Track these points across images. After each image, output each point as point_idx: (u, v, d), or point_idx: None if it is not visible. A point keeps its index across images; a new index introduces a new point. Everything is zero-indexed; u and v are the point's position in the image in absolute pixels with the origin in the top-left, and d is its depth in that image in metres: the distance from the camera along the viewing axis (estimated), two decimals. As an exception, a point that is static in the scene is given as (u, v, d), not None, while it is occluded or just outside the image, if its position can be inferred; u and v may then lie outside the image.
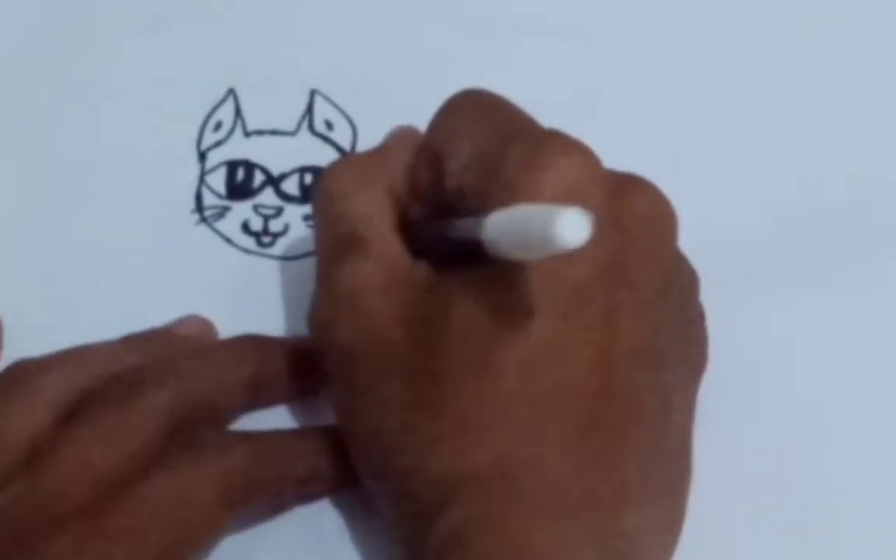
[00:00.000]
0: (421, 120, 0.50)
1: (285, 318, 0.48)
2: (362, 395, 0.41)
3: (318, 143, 0.52)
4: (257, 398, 0.45)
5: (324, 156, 0.51)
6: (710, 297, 0.45)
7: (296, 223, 0.50)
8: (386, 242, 0.42)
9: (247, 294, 0.49)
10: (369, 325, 0.41)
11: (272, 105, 0.52)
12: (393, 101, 0.52)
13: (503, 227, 0.38)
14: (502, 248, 0.38)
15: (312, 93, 0.52)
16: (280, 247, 0.50)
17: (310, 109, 0.52)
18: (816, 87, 0.52)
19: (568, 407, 0.39)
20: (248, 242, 0.50)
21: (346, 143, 0.51)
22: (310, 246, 0.49)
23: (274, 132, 0.52)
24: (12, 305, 0.47)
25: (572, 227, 0.35)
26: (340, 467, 0.44)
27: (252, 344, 0.45)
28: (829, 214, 0.50)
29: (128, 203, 0.50)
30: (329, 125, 0.52)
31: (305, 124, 0.52)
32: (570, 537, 0.38)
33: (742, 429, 0.45)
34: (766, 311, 0.48)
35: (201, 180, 0.51)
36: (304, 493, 0.44)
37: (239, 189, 0.51)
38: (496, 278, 0.39)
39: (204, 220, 0.50)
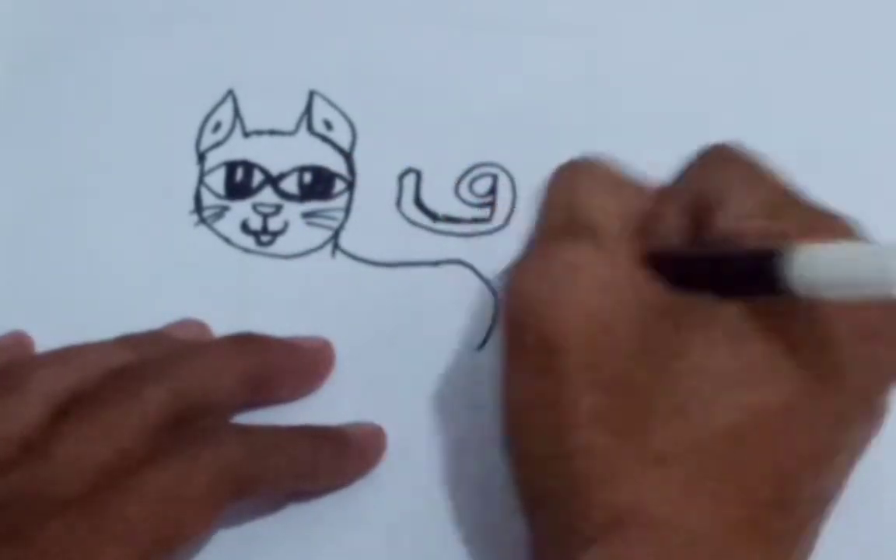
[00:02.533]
0: (419, 119, 0.51)
1: (285, 318, 0.48)
2: (549, 388, 0.38)
3: (316, 143, 0.51)
4: (254, 396, 0.45)
5: (323, 156, 0.51)
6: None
7: (295, 222, 0.50)
8: (623, 242, 0.39)
9: (246, 294, 0.49)
10: (586, 322, 0.38)
11: (271, 105, 0.52)
12: (392, 101, 0.52)
13: (817, 262, 0.36)
14: (812, 282, 0.36)
15: (311, 93, 0.52)
16: (279, 246, 0.49)
17: (308, 109, 0.52)
18: (822, 83, 0.52)
19: (762, 493, 0.37)
20: (248, 242, 0.50)
21: (344, 143, 0.51)
22: (309, 244, 0.49)
23: (273, 132, 0.52)
24: (11, 305, 0.48)
25: None
26: (338, 466, 0.44)
27: (249, 341, 0.45)
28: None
29: (127, 204, 0.50)
30: (328, 125, 0.52)
31: (304, 124, 0.52)
32: None
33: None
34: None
35: (200, 181, 0.51)
36: (300, 490, 0.44)
37: (238, 189, 0.51)
38: (754, 320, 0.37)
39: (203, 220, 0.50)
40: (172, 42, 0.53)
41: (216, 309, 0.48)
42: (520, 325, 0.39)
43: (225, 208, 0.50)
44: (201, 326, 0.47)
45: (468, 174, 0.50)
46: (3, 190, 0.51)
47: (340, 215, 0.50)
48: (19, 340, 0.47)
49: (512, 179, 0.50)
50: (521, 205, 0.49)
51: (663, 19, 0.53)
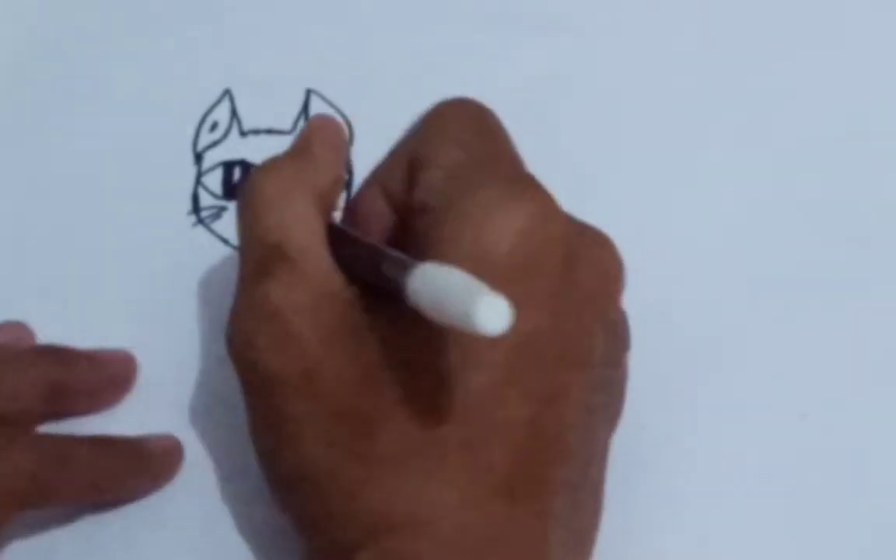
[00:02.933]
0: (416, 117, 0.51)
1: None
2: (283, 421, 0.40)
3: (315, 142, 0.51)
4: (53, 407, 0.45)
5: (320, 155, 0.51)
6: (706, 295, 0.45)
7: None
8: (314, 258, 0.41)
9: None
10: (295, 352, 0.40)
11: (268, 105, 0.52)
12: (389, 99, 0.52)
13: (428, 284, 0.36)
14: (421, 303, 0.36)
15: (308, 92, 0.52)
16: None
17: (305, 108, 0.52)
18: (813, 83, 0.52)
19: (501, 459, 0.38)
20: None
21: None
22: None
23: (270, 132, 0.52)
24: (9, 304, 0.48)
25: (493, 316, 0.34)
26: (135, 477, 0.44)
27: (49, 353, 0.45)
28: (825, 213, 0.49)
29: (124, 205, 0.50)
30: (326, 124, 0.52)
31: (301, 124, 0.52)
32: None
33: (740, 428, 0.46)
34: (761, 310, 0.48)
35: (198, 181, 0.51)
36: (97, 501, 0.44)
37: (236, 189, 0.51)
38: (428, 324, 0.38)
39: (201, 221, 0.50)
40: (169, 42, 0.54)
41: (214, 309, 0.48)
42: (242, 369, 0.41)
43: (222, 208, 0.50)
44: (19, 327, 0.47)
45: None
46: (0, 189, 0.51)
47: (338, 215, 0.50)
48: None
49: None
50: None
51: (662, 17, 0.53)
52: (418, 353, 0.38)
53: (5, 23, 0.54)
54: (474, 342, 0.36)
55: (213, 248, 0.50)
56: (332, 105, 0.52)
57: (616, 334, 0.42)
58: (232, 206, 0.50)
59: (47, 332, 0.47)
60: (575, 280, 0.39)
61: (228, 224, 0.50)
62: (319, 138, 0.44)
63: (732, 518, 0.44)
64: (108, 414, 0.46)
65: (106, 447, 0.44)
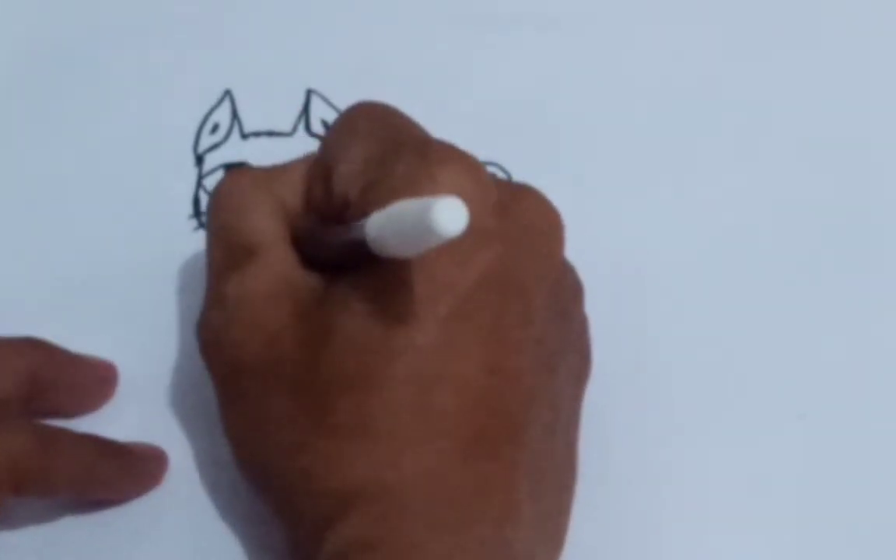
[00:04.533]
0: (417, 117, 0.50)
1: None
2: (250, 408, 0.41)
3: (315, 143, 0.51)
4: (36, 398, 0.44)
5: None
6: (705, 294, 0.45)
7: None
8: (277, 252, 0.42)
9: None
10: (258, 336, 0.41)
11: (269, 106, 0.52)
12: (389, 99, 0.51)
13: (383, 224, 0.38)
14: (385, 247, 0.38)
15: (308, 93, 0.52)
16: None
17: (306, 110, 0.52)
18: (813, 83, 0.52)
19: (456, 419, 0.39)
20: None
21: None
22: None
23: (271, 133, 0.52)
24: (9, 307, 0.48)
25: (450, 215, 0.35)
26: (120, 479, 0.44)
27: (31, 343, 0.45)
28: (824, 213, 0.49)
29: (125, 208, 0.50)
30: (326, 125, 0.52)
31: (302, 125, 0.52)
32: (457, 553, 0.38)
33: (739, 428, 0.46)
34: (760, 309, 0.48)
35: (199, 184, 0.51)
36: (89, 496, 0.44)
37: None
38: (381, 286, 0.39)
39: (202, 225, 0.50)
40: (169, 44, 0.53)
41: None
42: (211, 361, 0.43)
43: (224, 211, 0.50)
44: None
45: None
46: (0, 190, 0.51)
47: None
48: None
49: (510, 178, 0.50)
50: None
51: (662, 17, 0.53)
52: (364, 322, 0.39)
53: (5, 23, 0.54)
54: (416, 302, 0.38)
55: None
56: (332, 105, 0.52)
57: (562, 285, 0.42)
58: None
59: (46, 333, 0.46)
60: (509, 235, 0.40)
61: (230, 226, 0.50)
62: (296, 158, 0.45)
63: (732, 517, 0.44)
64: (103, 417, 0.46)
65: (92, 441, 0.44)
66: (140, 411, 0.47)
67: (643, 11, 0.53)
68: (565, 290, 0.42)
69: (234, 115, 0.52)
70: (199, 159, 0.51)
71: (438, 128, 0.50)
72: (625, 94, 0.52)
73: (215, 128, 0.52)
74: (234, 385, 0.42)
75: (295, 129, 0.52)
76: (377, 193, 0.40)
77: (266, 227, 0.43)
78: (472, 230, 0.35)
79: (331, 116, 0.52)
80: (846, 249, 0.49)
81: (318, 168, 0.43)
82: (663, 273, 0.48)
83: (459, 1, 0.53)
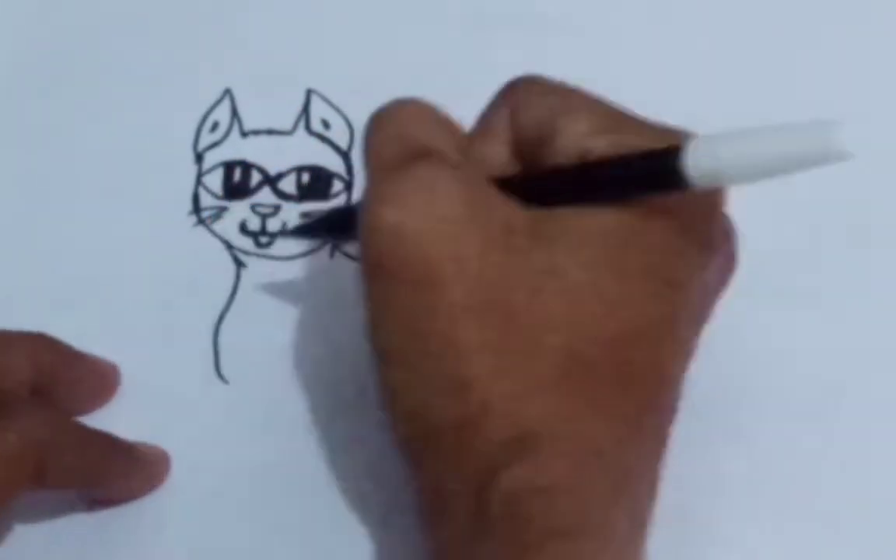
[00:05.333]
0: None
1: (283, 319, 0.48)
2: (436, 328, 0.37)
3: (314, 142, 0.51)
4: (40, 392, 0.44)
5: (321, 156, 0.51)
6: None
7: (293, 222, 0.50)
8: (466, 164, 0.39)
9: (245, 295, 0.49)
10: (454, 248, 0.37)
11: (268, 105, 0.52)
12: (389, 99, 0.51)
13: (739, 146, 0.37)
14: (722, 174, 0.37)
15: (309, 92, 0.52)
16: (278, 247, 0.49)
17: (306, 109, 0.52)
18: (813, 83, 0.52)
19: (637, 387, 0.38)
20: (246, 243, 0.50)
21: (342, 142, 0.51)
22: (308, 245, 0.49)
23: (270, 132, 0.52)
24: (9, 307, 0.48)
25: (842, 137, 0.35)
26: (126, 478, 0.44)
27: (40, 339, 0.45)
28: (825, 213, 0.49)
29: (125, 205, 0.50)
30: (326, 124, 0.52)
31: (302, 124, 0.52)
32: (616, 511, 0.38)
33: (739, 428, 0.46)
34: (759, 310, 0.48)
35: (198, 181, 0.51)
36: (94, 491, 0.44)
37: (236, 189, 0.51)
38: (618, 235, 0.38)
39: (201, 221, 0.50)
40: (169, 43, 0.53)
41: (214, 310, 0.48)
42: (385, 262, 0.38)
43: (223, 209, 0.50)
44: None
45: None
46: (1, 189, 0.51)
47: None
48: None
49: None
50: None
51: (662, 17, 0.53)
52: (557, 260, 0.38)
53: (5, 23, 0.54)
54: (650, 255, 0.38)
55: (213, 249, 0.50)
56: (332, 105, 0.52)
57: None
58: (232, 206, 0.50)
59: (46, 331, 0.46)
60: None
61: (229, 224, 0.50)
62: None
63: (731, 517, 0.44)
64: (103, 416, 0.46)
65: (104, 436, 0.44)
66: (140, 410, 0.47)
67: (643, 12, 0.53)
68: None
69: (234, 113, 0.52)
70: (199, 157, 0.51)
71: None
72: (625, 94, 0.51)
73: (215, 126, 0.52)
74: (413, 295, 0.37)
75: (295, 127, 0.52)
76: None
77: (449, 143, 0.39)
78: None
79: (331, 116, 0.52)
80: (848, 248, 0.49)
81: (504, 135, 0.41)
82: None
83: (459, 1, 0.53)
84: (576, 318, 0.37)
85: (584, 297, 0.38)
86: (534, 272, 0.38)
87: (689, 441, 0.44)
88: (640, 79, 0.52)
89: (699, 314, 0.41)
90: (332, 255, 0.49)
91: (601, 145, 0.39)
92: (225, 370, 0.47)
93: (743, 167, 0.37)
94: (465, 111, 0.51)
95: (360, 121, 0.51)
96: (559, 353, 0.37)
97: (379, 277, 0.38)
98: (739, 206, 0.49)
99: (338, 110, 0.52)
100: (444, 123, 0.41)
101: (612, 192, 0.39)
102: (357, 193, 0.50)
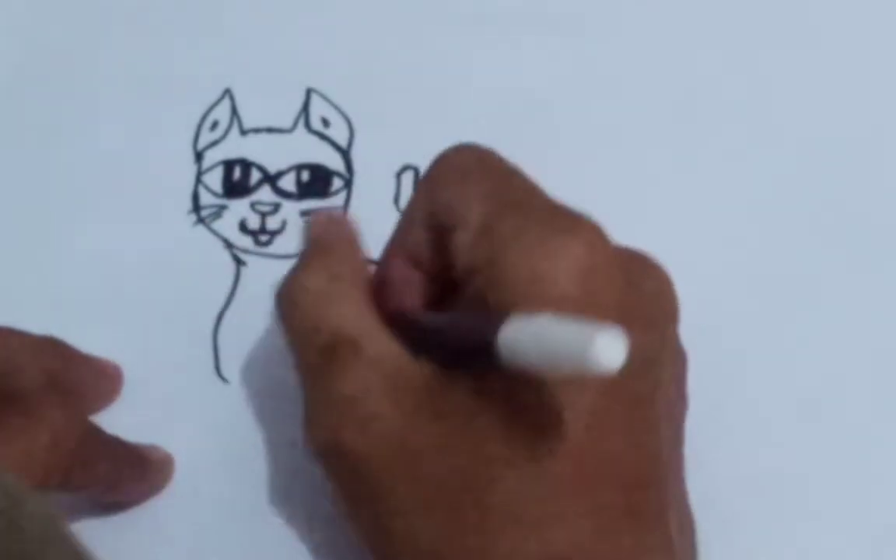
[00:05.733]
0: (417, 116, 0.51)
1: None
2: (386, 508, 0.39)
3: (314, 140, 0.51)
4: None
5: (320, 154, 0.51)
6: (705, 294, 0.45)
7: (293, 221, 0.50)
8: (377, 341, 0.40)
9: (245, 294, 0.49)
10: (381, 430, 0.39)
11: (268, 103, 0.52)
12: (389, 97, 0.52)
13: (524, 337, 0.36)
14: (519, 357, 0.36)
15: (308, 91, 0.52)
16: (277, 245, 0.49)
17: (306, 107, 0.52)
18: (813, 83, 0.52)
19: (610, 496, 0.38)
20: (246, 242, 0.50)
21: (342, 141, 0.51)
22: (307, 244, 0.49)
23: (270, 130, 0.52)
24: (9, 306, 0.47)
25: (610, 351, 0.33)
26: (138, 481, 0.44)
27: (51, 343, 0.45)
28: (825, 213, 0.49)
29: (125, 203, 0.50)
30: (325, 123, 0.52)
31: (302, 122, 0.52)
32: None
33: (738, 428, 0.46)
34: (759, 310, 0.48)
35: (198, 180, 0.51)
36: (106, 497, 0.44)
37: (236, 187, 0.51)
38: (516, 380, 0.37)
39: (201, 220, 0.50)
40: (169, 42, 0.53)
41: (214, 309, 0.48)
42: (331, 465, 0.41)
43: (223, 207, 0.50)
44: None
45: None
46: (1, 189, 0.51)
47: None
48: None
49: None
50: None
51: (662, 17, 0.53)
52: (507, 408, 0.38)
53: (5, 22, 0.54)
54: (565, 386, 0.37)
55: (212, 247, 0.50)
56: (332, 103, 0.52)
57: (678, 355, 0.42)
58: (232, 205, 0.50)
59: (47, 332, 0.46)
60: (635, 311, 0.39)
61: (228, 222, 0.50)
62: (329, 233, 0.44)
63: (731, 518, 0.44)
64: (102, 412, 0.46)
65: (118, 439, 0.44)
66: (140, 409, 0.47)
67: (643, 12, 0.53)
68: (679, 362, 0.42)
69: (234, 112, 0.52)
70: (199, 156, 0.51)
71: (439, 128, 0.50)
72: (626, 94, 0.52)
73: (215, 125, 0.52)
74: (362, 484, 0.40)
75: (294, 125, 0.52)
76: (503, 274, 0.38)
77: (356, 312, 0.41)
78: (605, 310, 0.35)
79: (331, 114, 0.52)
80: (848, 249, 0.49)
81: (423, 221, 0.42)
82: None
83: (460, 1, 0.53)
84: (509, 454, 0.38)
85: (506, 434, 0.38)
86: (455, 427, 0.38)
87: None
88: (640, 79, 0.52)
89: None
90: (331, 254, 0.49)
91: (479, 260, 0.39)
92: (225, 370, 0.48)
93: (520, 350, 0.36)
94: (465, 110, 0.51)
95: (360, 119, 0.52)
96: (510, 492, 0.38)
97: (332, 474, 0.41)
98: (739, 206, 0.50)
99: (337, 109, 0.52)
100: (340, 277, 0.42)
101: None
102: (357, 191, 0.50)
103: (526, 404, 0.38)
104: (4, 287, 0.49)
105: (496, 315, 0.37)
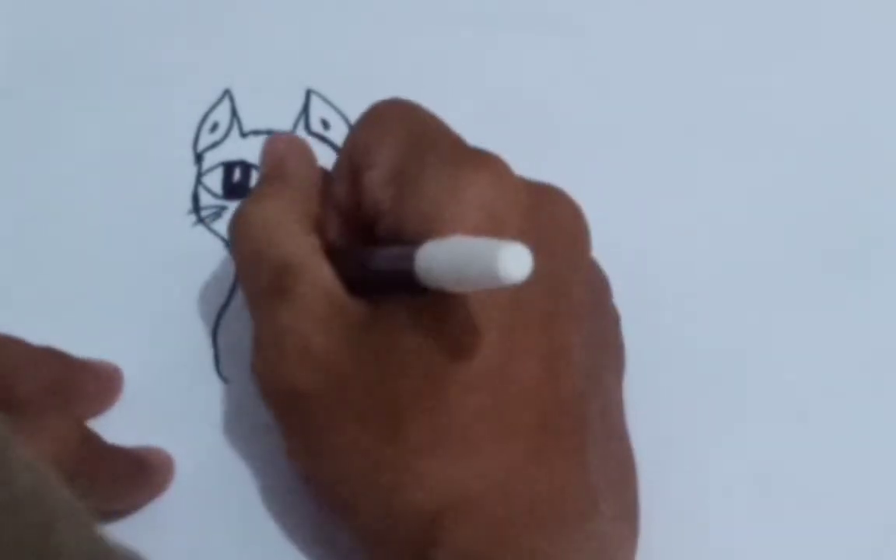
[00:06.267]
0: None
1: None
2: (322, 438, 0.41)
3: (314, 142, 0.51)
4: (56, 401, 0.44)
5: (320, 155, 0.51)
6: (705, 295, 0.45)
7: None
8: (317, 277, 0.42)
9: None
10: (318, 366, 0.41)
11: (268, 105, 0.52)
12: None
13: (437, 260, 0.38)
14: (436, 279, 0.38)
15: (308, 92, 0.52)
16: (277, 246, 0.49)
17: (306, 109, 0.52)
18: (813, 84, 0.52)
19: (525, 419, 0.40)
20: (246, 242, 0.50)
21: (342, 142, 0.51)
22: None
23: (270, 132, 0.52)
24: (9, 306, 0.48)
25: (515, 262, 0.35)
26: (140, 488, 0.45)
27: (53, 353, 0.45)
28: (825, 214, 0.49)
29: (125, 204, 0.50)
30: (325, 124, 0.52)
31: (301, 124, 0.52)
32: (563, 545, 0.39)
33: (738, 428, 0.46)
34: (760, 311, 0.48)
35: (198, 181, 0.51)
36: (104, 507, 0.44)
37: (236, 189, 0.51)
38: (435, 304, 0.39)
39: (201, 220, 0.50)
40: (169, 43, 0.53)
41: (214, 309, 0.48)
42: (269, 394, 0.42)
43: (223, 208, 0.50)
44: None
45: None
46: (1, 189, 0.51)
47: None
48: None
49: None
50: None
51: (662, 17, 0.53)
52: (430, 334, 0.39)
53: (5, 23, 0.54)
54: (478, 302, 0.38)
55: (212, 248, 0.50)
56: (331, 105, 0.52)
57: (593, 282, 0.43)
58: (231, 206, 0.50)
59: (47, 332, 0.46)
60: (542, 237, 0.40)
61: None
62: (290, 156, 0.45)
63: (732, 518, 0.44)
64: (104, 416, 0.46)
65: (119, 450, 0.44)
66: (139, 409, 0.47)
67: (643, 12, 0.53)
68: (597, 285, 0.43)
69: (234, 113, 0.52)
70: (199, 157, 0.51)
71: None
72: (626, 93, 0.52)
73: (215, 126, 0.52)
74: (296, 415, 0.42)
75: (294, 127, 0.52)
76: (413, 206, 0.40)
77: (300, 246, 0.42)
78: (510, 235, 0.36)
79: (331, 116, 0.52)
80: (848, 250, 0.49)
81: (345, 165, 0.43)
82: (664, 272, 0.48)
83: (460, 1, 0.53)
84: (431, 386, 0.39)
85: (429, 366, 0.40)
86: (386, 357, 0.40)
87: (679, 441, 0.45)
88: (640, 79, 0.52)
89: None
90: (332, 253, 0.49)
91: (385, 202, 0.41)
92: (225, 369, 0.48)
93: (435, 273, 0.38)
94: (465, 111, 0.51)
95: (360, 121, 0.52)
96: (427, 424, 0.39)
97: (273, 407, 0.43)
98: (738, 206, 0.50)
99: (337, 110, 0.52)
100: (290, 210, 0.43)
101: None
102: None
103: (446, 327, 0.39)
104: (4, 287, 0.49)
105: (410, 245, 0.39)
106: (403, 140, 0.42)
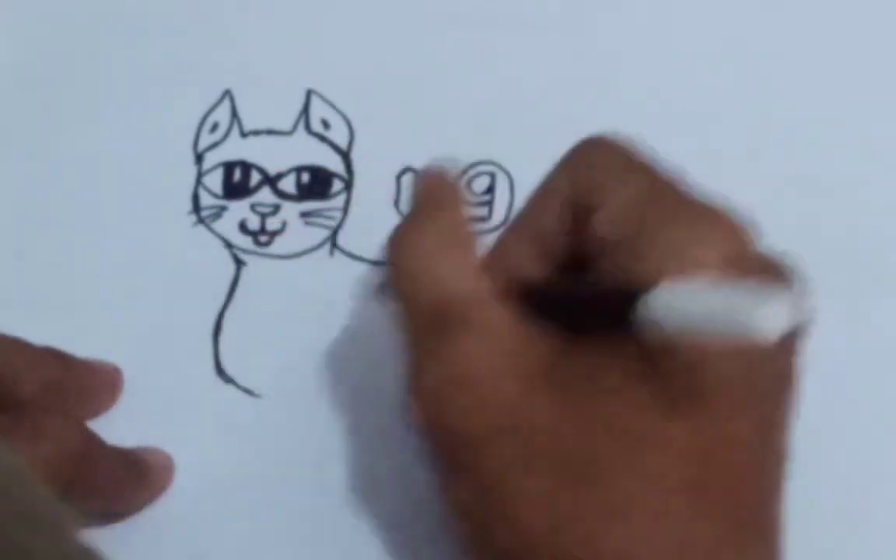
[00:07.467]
0: (417, 118, 0.51)
1: (283, 317, 0.48)
2: (487, 481, 0.38)
3: (314, 142, 0.52)
4: (50, 405, 0.44)
5: (320, 155, 0.51)
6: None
7: (293, 221, 0.50)
8: (488, 310, 0.39)
9: (245, 294, 0.49)
10: (494, 411, 0.38)
11: (268, 106, 0.52)
12: (389, 99, 0.52)
13: (676, 302, 0.35)
14: (665, 323, 0.35)
15: (308, 93, 0.52)
16: (277, 246, 0.50)
17: (306, 109, 0.52)
18: (813, 84, 0.52)
19: (724, 501, 0.37)
20: (246, 242, 0.50)
21: (342, 143, 0.51)
22: (307, 244, 0.49)
23: (270, 132, 0.52)
24: (9, 306, 0.48)
25: (774, 322, 0.32)
26: (140, 489, 0.44)
27: (51, 353, 0.45)
28: (825, 215, 0.49)
29: (125, 205, 0.50)
30: (325, 124, 0.52)
31: (302, 124, 0.52)
32: None
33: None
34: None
35: (198, 181, 0.51)
36: (107, 508, 0.44)
37: (236, 189, 0.51)
38: (654, 353, 0.37)
39: (201, 220, 0.50)
40: (169, 43, 0.53)
41: (214, 309, 0.48)
42: (433, 428, 0.39)
43: (223, 208, 0.50)
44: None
45: (466, 173, 0.50)
46: (1, 190, 0.51)
47: (338, 215, 0.50)
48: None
49: (510, 178, 0.50)
50: (519, 203, 0.49)
51: (662, 17, 0.53)
52: (638, 377, 0.37)
53: (5, 23, 0.54)
54: (713, 354, 0.36)
55: (213, 248, 0.50)
56: (332, 106, 0.52)
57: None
58: (231, 206, 0.50)
59: (47, 332, 0.46)
60: None
61: (228, 223, 0.50)
62: (444, 194, 0.43)
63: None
64: (105, 416, 0.46)
65: (119, 452, 0.44)
66: (140, 409, 0.47)
67: (642, 12, 0.53)
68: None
69: (234, 114, 0.52)
70: (199, 157, 0.51)
71: (439, 130, 0.51)
72: (625, 93, 0.52)
73: (215, 127, 0.52)
74: (465, 456, 0.38)
75: (295, 127, 0.52)
76: (648, 247, 0.38)
77: (468, 278, 0.40)
78: None
79: (331, 116, 0.52)
80: (848, 250, 0.49)
81: (554, 199, 0.41)
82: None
83: (459, 1, 0.53)
84: (635, 452, 0.37)
85: (627, 416, 0.37)
86: (574, 406, 0.38)
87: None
88: (640, 79, 0.52)
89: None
90: (331, 253, 0.49)
91: (618, 234, 0.39)
92: (225, 369, 0.48)
93: (665, 318, 0.35)
94: (465, 111, 0.51)
95: (360, 121, 0.52)
96: (623, 488, 0.37)
97: (431, 446, 0.40)
98: (737, 206, 0.50)
99: (337, 110, 0.52)
100: (449, 240, 0.41)
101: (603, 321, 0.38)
102: (357, 193, 0.50)
103: (663, 372, 0.37)
104: (4, 287, 0.49)
105: (640, 283, 0.36)
106: (638, 181, 0.40)
